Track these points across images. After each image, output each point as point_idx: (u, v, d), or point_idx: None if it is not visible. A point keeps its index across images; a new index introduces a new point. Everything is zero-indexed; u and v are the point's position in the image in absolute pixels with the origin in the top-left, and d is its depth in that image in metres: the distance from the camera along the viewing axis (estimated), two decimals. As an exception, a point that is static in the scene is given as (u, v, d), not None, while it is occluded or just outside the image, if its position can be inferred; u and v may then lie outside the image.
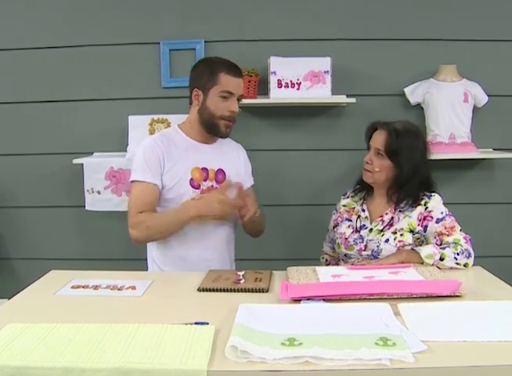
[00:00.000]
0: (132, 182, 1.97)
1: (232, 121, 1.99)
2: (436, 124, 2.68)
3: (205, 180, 2.01)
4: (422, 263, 1.80)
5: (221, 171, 2.05)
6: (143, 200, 1.93)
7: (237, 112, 1.98)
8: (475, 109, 2.72)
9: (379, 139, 2.00)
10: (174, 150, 1.99)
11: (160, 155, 1.95)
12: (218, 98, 1.94)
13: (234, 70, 1.96)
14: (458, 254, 1.80)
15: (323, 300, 1.46)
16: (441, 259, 1.79)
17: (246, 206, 1.93)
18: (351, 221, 2.10)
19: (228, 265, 2.14)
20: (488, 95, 2.69)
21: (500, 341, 1.18)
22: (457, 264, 1.80)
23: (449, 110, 2.66)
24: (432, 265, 1.78)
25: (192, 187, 1.98)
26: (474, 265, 1.84)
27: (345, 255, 2.07)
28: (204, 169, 2.02)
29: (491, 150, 2.79)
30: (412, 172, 1.96)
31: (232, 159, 2.12)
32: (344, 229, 2.10)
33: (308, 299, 1.46)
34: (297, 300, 1.46)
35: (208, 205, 1.88)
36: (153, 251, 2.08)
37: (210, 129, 2.00)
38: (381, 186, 2.04)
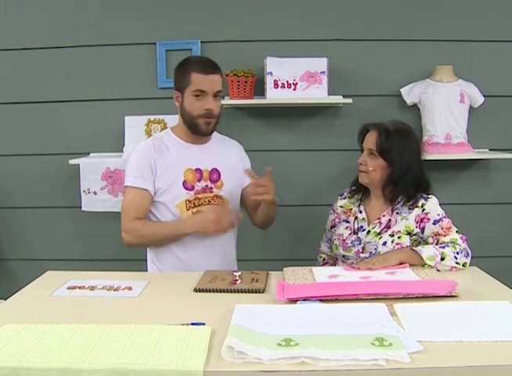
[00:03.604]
0: (126, 186, 2.00)
1: (211, 117, 1.97)
2: (432, 124, 2.68)
3: (199, 181, 2.02)
4: (423, 265, 1.79)
5: (215, 171, 2.06)
6: (136, 206, 1.96)
7: (214, 109, 1.96)
8: (471, 109, 2.72)
9: (371, 139, 2.01)
10: (167, 153, 2.01)
11: (151, 161, 1.97)
12: (192, 97, 1.95)
13: (205, 67, 1.94)
14: (457, 253, 1.81)
15: (320, 300, 1.46)
16: (442, 259, 1.79)
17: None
18: (348, 222, 2.11)
19: (228, 264, 2.13)
20: (484, 96, 2.70)
21: (496, 341, 1.18)
22: (457, 263, 1.80)
23: (445, 111, 2.66)
24: (433, 267, 1.78)
25: (186, 189, 2.00)
26: (470, 265, 1.85)
27: (343, 256, 2.07)
28: (198, 170, 2.03)
29: (487, 150, 2.79)
30: (405, 170, 1.96)
31: (226, 157, 2.12)
32: (342, 230, 2.10)
33: (305, 300, 1.46)
34: (294, 300, 1.46)
35: (203, 225, 1.92)
36: (151, 251, 2.09)
37: (192, 129, 2.01)
38: (376, 186, 2.05)
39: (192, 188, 2.01)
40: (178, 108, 2.02)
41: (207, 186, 2.04)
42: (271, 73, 2.61)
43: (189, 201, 2.00)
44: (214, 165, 2.06)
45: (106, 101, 2.79)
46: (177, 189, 1.99)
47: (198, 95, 1.94)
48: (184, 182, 2.00)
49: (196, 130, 2.00)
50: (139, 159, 1.99)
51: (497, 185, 2.84)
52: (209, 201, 2.04)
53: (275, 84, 2.62)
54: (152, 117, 2.71)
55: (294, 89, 2.63)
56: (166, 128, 2.66)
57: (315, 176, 2.84)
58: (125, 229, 1.95)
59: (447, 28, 2.71)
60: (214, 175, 2.06)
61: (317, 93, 2.63)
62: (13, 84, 2.81)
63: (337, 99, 2.67)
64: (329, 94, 2.64)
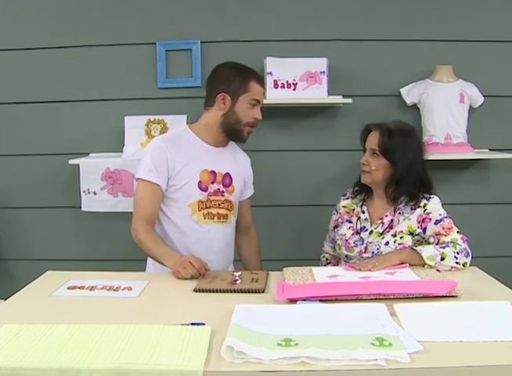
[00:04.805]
0: (137, 179, 1.98)
1: (255, 126, 2.03)
2: (432, 124, 2.68)
3: (212, 183, 2.02)
4: (423, 265, 1.80)
5: (228, 176, 2.07)
6: (146, 205, 1.95)
7: (260, 119, 2.02)
8: (471, 109, 2.72)
9: (373, 139, 2.01)
10: (184, 151, 1.99)
11: (168, 157, 1.95)
12: (247, 105, 1.97)
13: (261, 79, 2.04)
14: (458, 253, 1.82)
15: (320, 300, 1.46)
16: (442, 259, 1.79)
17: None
18: (351, 222, 2.11)
19: (227, 266, 2.15)
20: (483, 96, 2.69)
21: (496, 341, 1.18)
22: (457, 263, 1.81)
23: (445, 111, 2.66)
24: (433, 267, 1.79)
25: (200, 189, 1.99)
26: (470, 265, 1.85)
27: (346, 256, 2.07)
28: (213, 172, 2.03)
29: (487, 150, 2.79)
30: (407, 169, 1.97)
31: (238, 165, 2.13)
32: (345, 230, 2.10)
33: (305, 300, 1.46)
34: (294, 300, 1.46)
35: (175, 267, 1.79)
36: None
37: (232, 134, 2.03)
38: (379, 186, 2.05)
39: (206, 189, 2.01)
40: (221, 110, 1.98)
41: (219, 189, 2.04)
42: (271, 73, 2.61)
43: (202, 202, 2.00)
44: (227, 170, 2.06)
45: (106, 101, 2.79)
46: (191, 188, 1.98)
47: (254, 105, 1.98)
48: (199, 183, 1.99)
49: (237, 136, 2.03)
50: (155, 153, 1.95)
51: (497, 185, 2.84)
52: (219, 205, 2.04)
53: (275, 85, 2.62)
54: (152, 118, 2.70)
55: (294, 89, 2.63)
56: (166, 128, 2.66)
57: (315, 176, 2.84)
58: (133, 227, 1.95)
59: (447, 28, 2.71)
60: (227, 180, 2.06)
61: (317, 93, 2.63)
62: (14, 84, 2.81)
63: (337, 99, 2.67)
64: (329, 94, 2.64)
